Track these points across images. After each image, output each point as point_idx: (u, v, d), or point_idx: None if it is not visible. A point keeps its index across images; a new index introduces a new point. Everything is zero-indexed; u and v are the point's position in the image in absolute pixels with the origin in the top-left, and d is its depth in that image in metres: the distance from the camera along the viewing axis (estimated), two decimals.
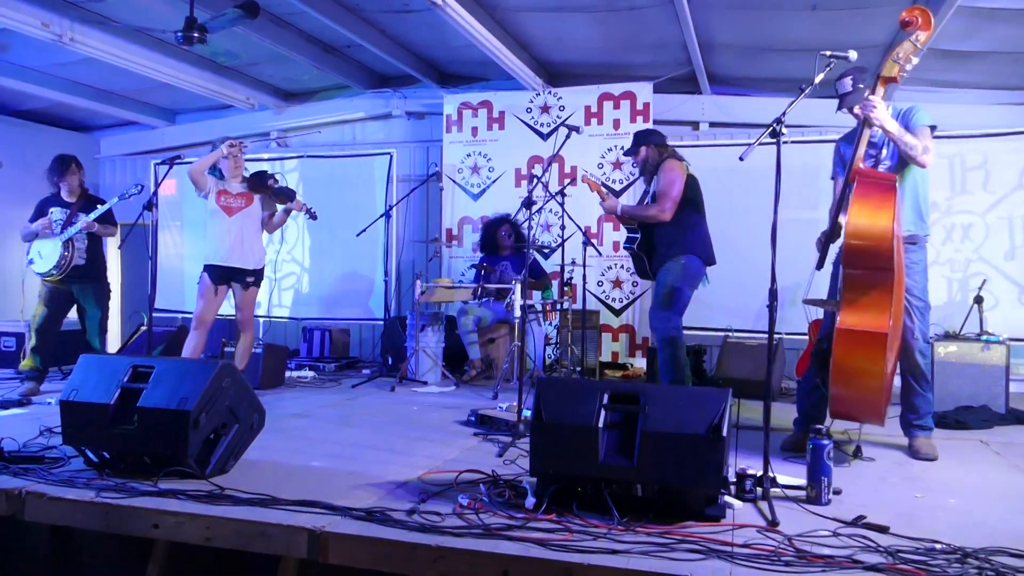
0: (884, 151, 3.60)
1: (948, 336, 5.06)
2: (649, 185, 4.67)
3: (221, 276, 5.07)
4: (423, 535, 2.39)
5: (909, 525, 2.53)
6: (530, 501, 2.65)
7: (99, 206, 5.37)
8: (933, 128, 3.53)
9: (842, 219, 3.36)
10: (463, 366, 6.29)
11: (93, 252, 5.46)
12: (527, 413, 3.77)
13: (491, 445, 3.77)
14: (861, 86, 3.55)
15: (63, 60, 6.66)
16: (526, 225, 4.81)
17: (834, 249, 3.57)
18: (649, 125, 6.73)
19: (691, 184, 4.54)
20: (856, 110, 3.58)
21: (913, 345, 3.60)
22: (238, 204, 5.10)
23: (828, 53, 3.15)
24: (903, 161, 3.51)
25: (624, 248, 4.83)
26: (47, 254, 5.29)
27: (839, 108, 3.66)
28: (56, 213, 5.36)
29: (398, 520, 2.51)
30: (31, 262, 5.39)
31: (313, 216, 5.40)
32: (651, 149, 4.65)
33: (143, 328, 6.51)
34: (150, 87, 7.56)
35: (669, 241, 4.50)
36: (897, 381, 3.70)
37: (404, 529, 2.44)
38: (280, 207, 5.28)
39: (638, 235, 4.66)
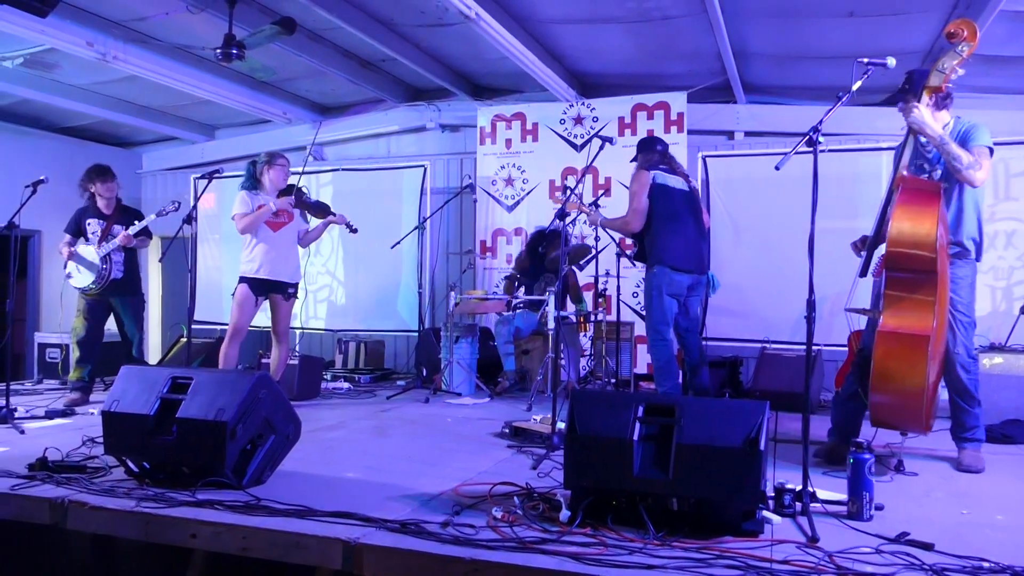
0: (938, 169, 3.50)
1: (994, 348, 4.93)
2: None
3: (263, 289, 5.11)
4: (457, 548, 2.38)
5: (955, 542, 2.46)
6: (564, 514, 2.63)
7: (136, 221, 5.45)
8: (991, 150, 3.43)
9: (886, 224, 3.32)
10: (497, 377, 6.28)
11: (129, 264, 5.57)
12: (561, 425, 3.75)
13: (525, 457, 3.75)
14: (906, 87, 3.48)
15: (107, 78, 6.86)
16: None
17: (875, 257, 3.51)
18: (683, 135, 6.71)
19: (658, 193, 4.55)
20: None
21: (955, 359, 3.49)
22: (282, 219, 5.14)
23: (865, 60, 3.11)
24: (952, 176, 3.43)
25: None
26: (85, 268, 5.41)
27: (894, 103, 3.55)
28: (93, 225, 5.48)
29: (432, 532, 2.51)
30: (69, 276, 5.49)
31: (353, 230, 5.34)
32: (639, 157, 4.74)
33: (183, 340, 6.63)
34: (190, 103, 7.74)
35: (647, 252, 4.58)
36: (945, 395, 3.63)
37: (438, 541, 2.43)
38: (318, 221, 5.32)
39: (637, 247, 4.78)
